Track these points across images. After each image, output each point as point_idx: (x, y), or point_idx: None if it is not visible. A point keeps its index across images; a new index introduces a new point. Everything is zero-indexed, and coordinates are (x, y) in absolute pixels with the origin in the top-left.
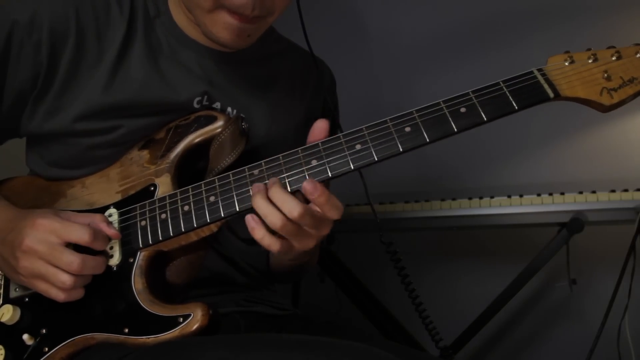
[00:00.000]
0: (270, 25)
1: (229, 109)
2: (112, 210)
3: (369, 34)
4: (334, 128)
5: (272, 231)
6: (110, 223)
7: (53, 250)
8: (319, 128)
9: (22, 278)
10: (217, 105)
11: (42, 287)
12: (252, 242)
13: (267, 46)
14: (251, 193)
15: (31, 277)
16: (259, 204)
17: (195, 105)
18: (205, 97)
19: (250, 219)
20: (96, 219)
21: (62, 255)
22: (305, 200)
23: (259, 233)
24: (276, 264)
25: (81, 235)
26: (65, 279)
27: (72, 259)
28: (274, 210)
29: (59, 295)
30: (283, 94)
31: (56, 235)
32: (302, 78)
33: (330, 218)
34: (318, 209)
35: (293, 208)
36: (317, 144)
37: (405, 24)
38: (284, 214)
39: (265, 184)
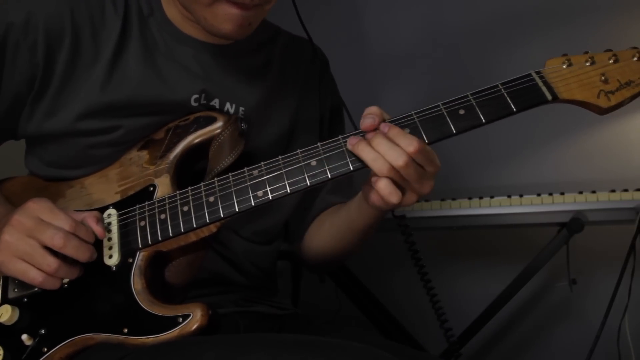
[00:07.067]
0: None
1: (228, 105)
2: (112, 211)
3: (368, 33)
4: (334, 112)
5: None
6: (101, 221)
7: (39, 225)
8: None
9: None
10: (216, 101)
11: (21, 267)
12: (256, 240)
13: (258, 35)
14: (349, 146)
15: (11, 254)
16: (365, 150)
17: (193, 104)
18: (203, 95)
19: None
20: (91, 214)
21: (47, 229)
22: None
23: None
24: (326, 245)
25: (62, 224)
26: (51, 261)
27: (55, 233)
28: (378, 155)
29: (37, 278)
30: (277, 80)
31: (41, 216)
32: (293, 61)
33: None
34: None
35: (398, 156)
36: (317, 145)
37: (404, 25)
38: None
39: (362, 135)
